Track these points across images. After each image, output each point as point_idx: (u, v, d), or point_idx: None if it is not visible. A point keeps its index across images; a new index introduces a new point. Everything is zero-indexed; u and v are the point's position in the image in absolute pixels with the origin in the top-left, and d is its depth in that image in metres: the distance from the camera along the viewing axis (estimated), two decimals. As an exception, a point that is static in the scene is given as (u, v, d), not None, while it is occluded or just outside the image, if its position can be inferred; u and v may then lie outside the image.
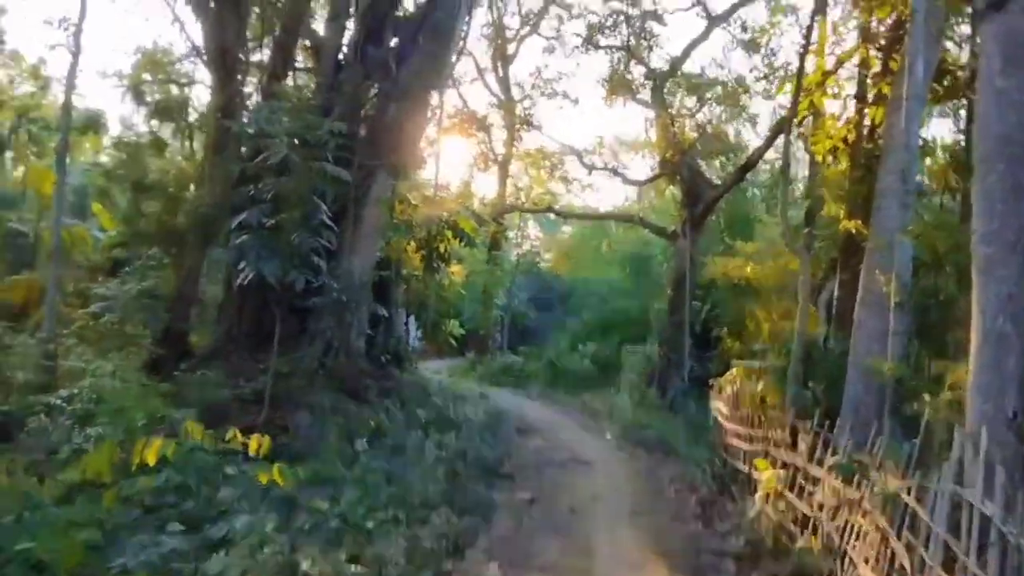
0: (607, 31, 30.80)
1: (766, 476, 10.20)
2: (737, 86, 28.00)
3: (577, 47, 32.48)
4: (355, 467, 10.96)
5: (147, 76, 28.86)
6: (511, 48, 37.46)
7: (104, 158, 33.04)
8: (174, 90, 29.17)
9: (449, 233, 18.18)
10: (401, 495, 10.07)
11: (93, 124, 32.89)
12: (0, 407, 13.97)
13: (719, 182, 26.34)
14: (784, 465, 10.21)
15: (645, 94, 29.58)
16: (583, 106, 68.12)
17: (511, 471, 13.18)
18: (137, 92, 29.53)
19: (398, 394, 17.31)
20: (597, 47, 31.37)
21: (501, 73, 36.61)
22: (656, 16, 29.83)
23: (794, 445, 10.26)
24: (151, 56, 28.62)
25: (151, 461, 5.53)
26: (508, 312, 40.29)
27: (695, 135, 26.48)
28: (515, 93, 36.58)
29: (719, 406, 13.95)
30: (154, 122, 30.30)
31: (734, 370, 12.40)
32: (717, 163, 29.71)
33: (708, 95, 28.50)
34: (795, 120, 12.04)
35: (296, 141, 17.31)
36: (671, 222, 29.82)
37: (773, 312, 15.14)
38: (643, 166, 33.41)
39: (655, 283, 34.39)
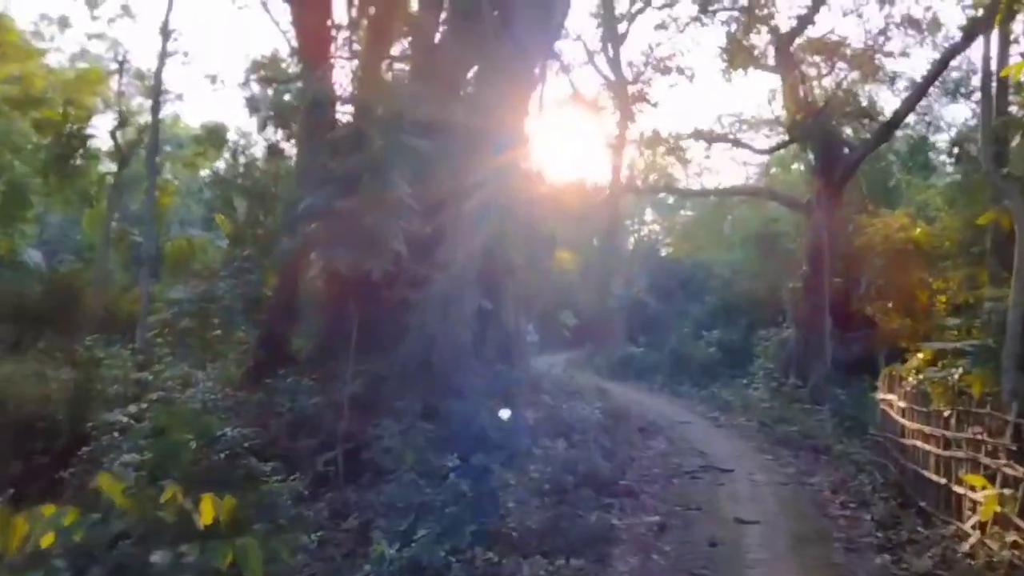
0: (722, -1, 27.54)
1: (985, 496, 7.15)
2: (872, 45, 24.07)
3: (693, 18, 29.35)
4: (442, 488, 8.61)
5: (256, 83, 27.83)
6: (621, 28, 34.45)
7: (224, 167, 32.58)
8: (284, 96, 28.09)
9: (550, 210, 15.57)
10: (494, 527, 7.67)
11: (214, 136, 32.44)
12: (85, 423, 12.67)
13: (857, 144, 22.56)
14: (1008, 481, 7.13)
15: (767, 62, 26.15)
16: (700, 84, 63.96)
17: (633, 485, 10.52)
18: (251, 101, 28.66)
19: (506, 393, 14.94)
20: (713, 14, 28.08)
21: (612, 54, 33.65)
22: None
23: (1021, 453, 7.18)
24: (260, 63, 27.58)
25: (45, 543, 3.22)
26: (627, 300, 37.32)
27: (828, 94, 22.79)
28: (627, 74, 33.65)
29: (890, 398, 10.80)
30: (270, 129, 29.43)
31: (919, 355, 9.28)
32: (850, 129, 25.71)
33: (839, 55, 24.65)
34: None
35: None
36: (802, 195, 26.18)
37: (951, 281, 11.78)
38: (766, 142, 29.37)
39: (784, 261, 30.60)
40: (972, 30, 17.29)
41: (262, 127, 29.07)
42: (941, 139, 30.50)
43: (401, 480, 8.88)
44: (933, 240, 12.71)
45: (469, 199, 17.25)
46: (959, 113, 43.72)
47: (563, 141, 34.56)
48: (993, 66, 9.60)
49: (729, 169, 57.78)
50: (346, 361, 16.08)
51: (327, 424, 12.53)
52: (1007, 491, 7.05)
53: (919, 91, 21.04)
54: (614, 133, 34.36)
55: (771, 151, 26.66)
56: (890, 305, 12.52)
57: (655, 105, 30.26)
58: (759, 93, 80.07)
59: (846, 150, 22.89)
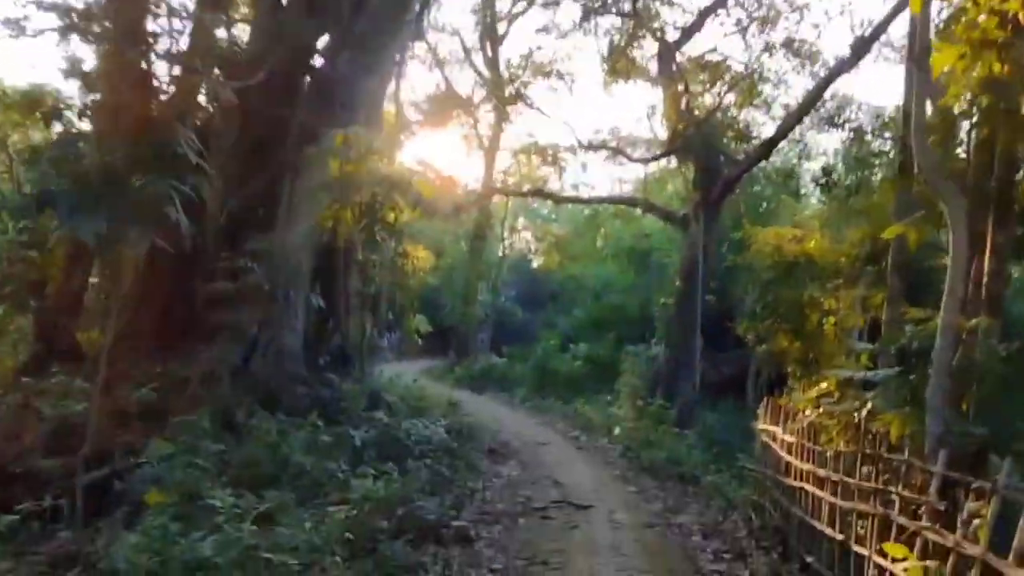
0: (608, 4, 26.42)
1: (907, 570, 5.53)
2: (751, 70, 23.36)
3: (576, 24, 28.04)
4: (199, 540, 6.18)
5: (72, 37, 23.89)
6: (502, 27, 32.72)
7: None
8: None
9: (399, 197, 13.24)
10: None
11: (34, 101, 27.93)
12: None
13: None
14: (933, 549, 5.52)
15: (650, 73, 25.16)
16: (581, 93, 63.13)
17: (468, 527, 8.41)
18: (72, 61, 24.70)
19: (336, 407, 12.60)
20: (600, 14, 26.83)
21: (490, 53, 31.83)
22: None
23: (948, 512, 5.60)
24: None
25: None
26: (492, 309, 35.50)
27: (710, 106, 21.80)
28: (505, 75, 31.95)
29: (773, 430, 9.26)
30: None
31: (822, 384, 7.68)
32: (731, 146, 25.01)
33: (721, 75, 23.82)
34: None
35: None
36: (679, 209, 25.17)
37: (843, 301, 10.46)
38: (645, 156, 27.88)
39: (656, 277, 29.77)
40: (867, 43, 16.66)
41: (85, 90, 25.16)
42: (811, 166, 30.58)
43: (145, 526, 6.38)
44: (828, 255, 11.37)
45: (308, 177, 14.83)
46: (829, 142, 45.06)
47: (432, 136, 32.56)
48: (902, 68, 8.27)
49: (604, 185, 57.08)
50: (144, 359, 13.34)
51: (103, 435, 9.85)
52: (931, 564, 5.44)
53: (800, 111, 20.48)
54: (488, 135, 32.72)
55: (650, 160, 25.53)
56: (775, 325, 11.06)
57: (531, 106, 28.60)
58: (639, 108, 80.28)
59: (725, 171, 22.07)
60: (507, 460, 13.05)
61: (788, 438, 8.50)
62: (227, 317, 13.52)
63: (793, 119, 20.78)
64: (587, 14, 27.96)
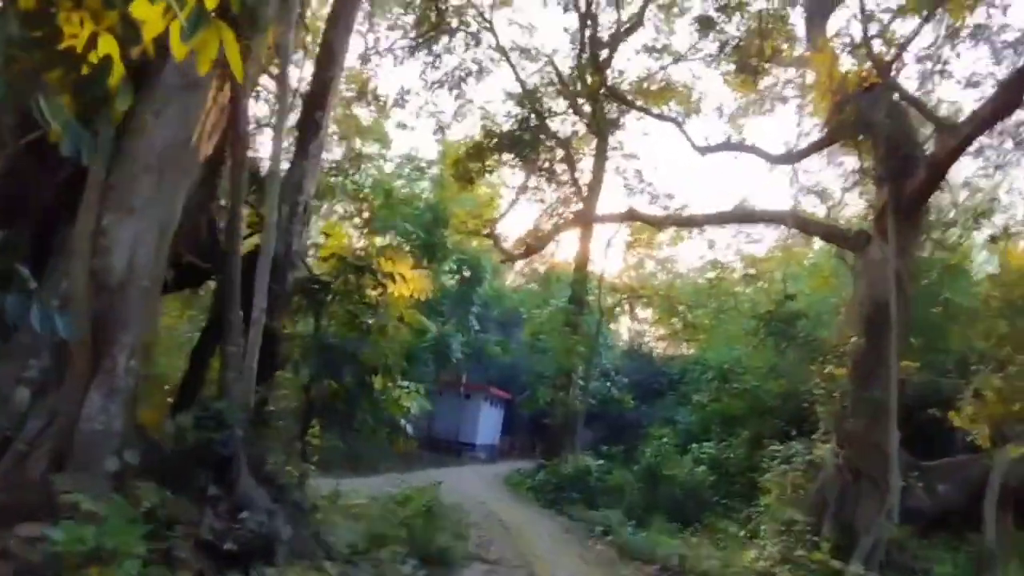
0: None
1: None
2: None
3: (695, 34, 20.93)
4: None
5: None
6: (603, 53, 25.61)
7: None
8: None
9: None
10: None
11: None
12: None
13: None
14: None
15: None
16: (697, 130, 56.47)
17: None
18: None
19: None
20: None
21: (590, 80, 24.62)
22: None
23: None
24: None
25: None
26: (592, 397, 26.70)
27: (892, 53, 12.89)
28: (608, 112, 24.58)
29: None
30: None
31: None
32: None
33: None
34: None
35: None
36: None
37: None
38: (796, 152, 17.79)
39: (804, 351, 20.30)
40: None
41: None
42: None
43: None
44: None
45: (141, 132, 7.61)
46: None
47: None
48: None
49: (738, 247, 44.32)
50: None
51: None
52: None
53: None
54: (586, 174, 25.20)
55: (802, 156, 16.04)
56: None
57: (654, 115, 21.12)
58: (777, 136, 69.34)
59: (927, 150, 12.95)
60: None
61: None
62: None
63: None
64: (707, 21, 20.72)
